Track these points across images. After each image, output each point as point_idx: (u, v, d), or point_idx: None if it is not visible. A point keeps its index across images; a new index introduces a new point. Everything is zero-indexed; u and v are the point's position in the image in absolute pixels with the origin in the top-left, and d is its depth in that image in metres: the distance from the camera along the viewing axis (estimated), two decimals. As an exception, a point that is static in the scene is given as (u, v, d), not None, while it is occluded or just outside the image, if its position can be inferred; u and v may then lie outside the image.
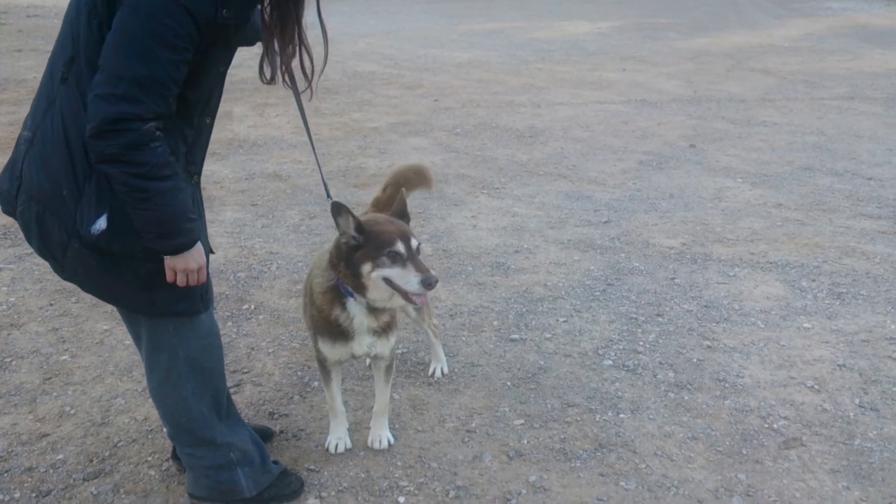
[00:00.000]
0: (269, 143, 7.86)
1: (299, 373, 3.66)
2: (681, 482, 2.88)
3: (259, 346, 3.91)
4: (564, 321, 4.15)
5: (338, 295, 2.71)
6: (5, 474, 2.94)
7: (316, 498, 2.80)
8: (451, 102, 9.81)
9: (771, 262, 4.87)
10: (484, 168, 7.04)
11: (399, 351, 3.83)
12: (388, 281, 2.55)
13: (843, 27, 16.70)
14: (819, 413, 3.31)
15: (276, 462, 2.82)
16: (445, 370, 3.64)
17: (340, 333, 2.77)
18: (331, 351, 2.84)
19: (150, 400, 3.41)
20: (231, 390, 3.46)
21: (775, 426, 3.22)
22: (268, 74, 2.37)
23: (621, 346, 3.87)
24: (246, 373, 3.66)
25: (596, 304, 4.34)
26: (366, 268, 2.55)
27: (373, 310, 2.72)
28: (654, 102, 9.73)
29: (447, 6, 22.09)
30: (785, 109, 9.25)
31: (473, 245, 5.22)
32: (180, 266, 2.23)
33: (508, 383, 3.56)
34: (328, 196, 2.76)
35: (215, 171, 6.92)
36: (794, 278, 4.64)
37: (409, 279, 2.51)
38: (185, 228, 2.18)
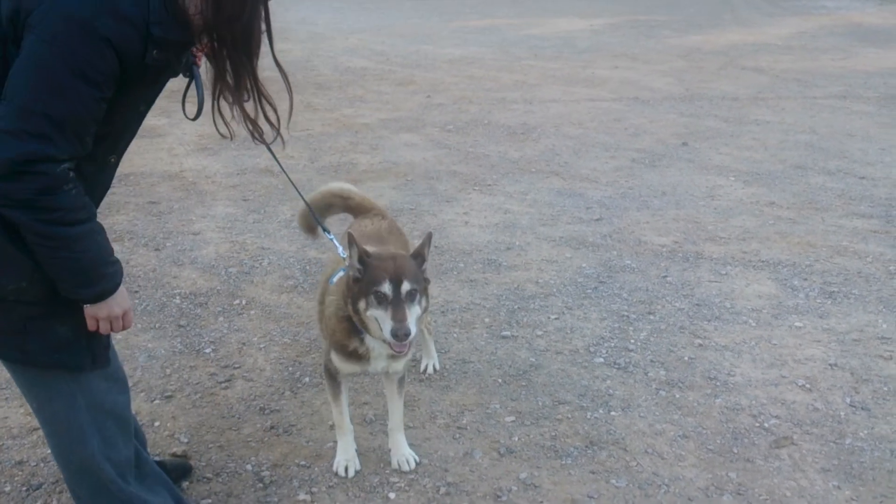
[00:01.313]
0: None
1: (290, 368, 3.65)
2: (672, 480, 2.88)
3: (250, 341, 3.90)
4: (556, 318, 4.15)
5: (353, 326, 2.63)
6: (-7, 469, 2.93)
7: (307, 494, 2.79)
8: (443, 99, 9.79)
9: (763, 261, 4.88)
10: (476, 165, 7.02)
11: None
12: (375, 321, 2.48)
13: (837, 25, 16.73)
14: (810, 412, 3.31)
15: None
16: (437, 367, 3.62)
17: (357, 355, 2.70)
18: (344, 365, 2.76)
19: (143, 394, 3.40)
20: (222, 385, 3.45)
21: (766, 425, 3.22)
22: (222, 128, 2.12)
23: (613, 344, 3.87)
24: (237, 368, 3.64)
25: (587, 302, 4.34)
26: (360, 304, 2.50)
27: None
28: (647, 100, 9.74)
29: (439, 3, 22.04)
30: (777, 108, 9.26)
31: (465, 242, 5.21)
32: (103, 314, 1.99)
33: (499, 380, 3.56)
34: (324, 230, 2.81)
35: (207, 165, 6.88)
36: (786, 277, 4.65)
37: (384, 324, 2.42)
38: (107, 274, 1.95)
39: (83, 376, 2.10)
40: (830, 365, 3.68)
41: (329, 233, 2.88)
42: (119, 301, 2.01)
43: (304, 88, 10.33)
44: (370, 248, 2.61)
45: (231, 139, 2.17)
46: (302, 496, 2.79)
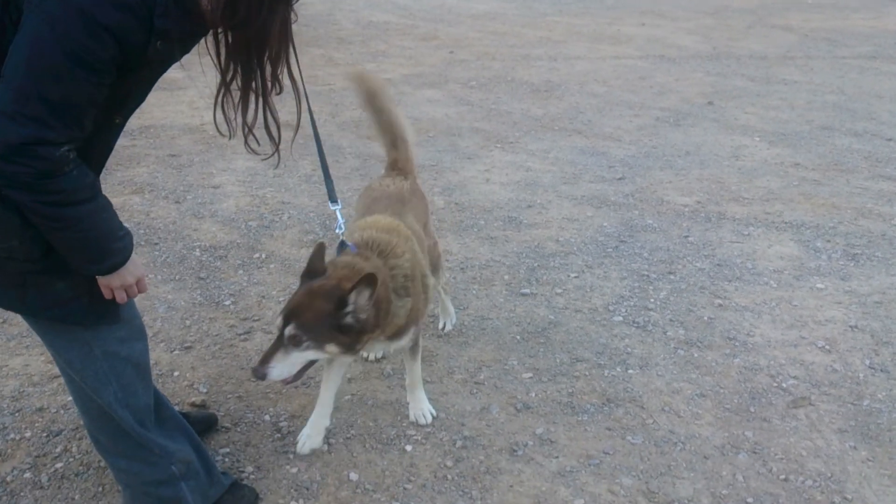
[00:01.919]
0: (283, 93, 7.78)
1: (309, 322, 3.67)
2: (687, 438, 2.89)
3: (269, 294, 3.92)
4: (576, 277, 4.13)
5: None
6: (17, 413, 2.98)
7: (324, 444, 2.82)
8: (466, 55, 9.68)
9: (786, 222, 4.82)
10: (498, 122, 6.96)
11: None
12: None
13: (869, -15, 16.30)
14: (829, 373, 3.29)
15: (224, 473, 2.52)
16: (454, 323, 3.62)
17: None
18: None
19: (162, 344, 3.44)
20: (241, 337, 3.48)
21: (784, 385, 3.21)
22: (225, 131, 2.04)
23: (632, 303, 3.86)
24: (256, 320, 3.67)
25: (608, 261, 4.31)
26: None
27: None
28: (673, 58, 9.57)
29: (464, -44, 21.67)
30: (805, 68, 9.08)
31: (486, 199, 5.18)
32: (116, 283, 1.99)
33: (518, 337, 3.56)
34: (333, 201, 2.65)
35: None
36: (809, 238, 4.59)
37: None
38: (116, 248, 1.93)
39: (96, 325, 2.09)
40: (851, 327, 3.64)
41: (337, 202, 2.70)
42: (131, 270, 2.00)
43: (325, 42, 10.25)
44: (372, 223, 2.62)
45: (230, 139, 2.09)
46: (321, 446, 2.82)
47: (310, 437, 2.77)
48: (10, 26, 1.72)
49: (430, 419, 2.95)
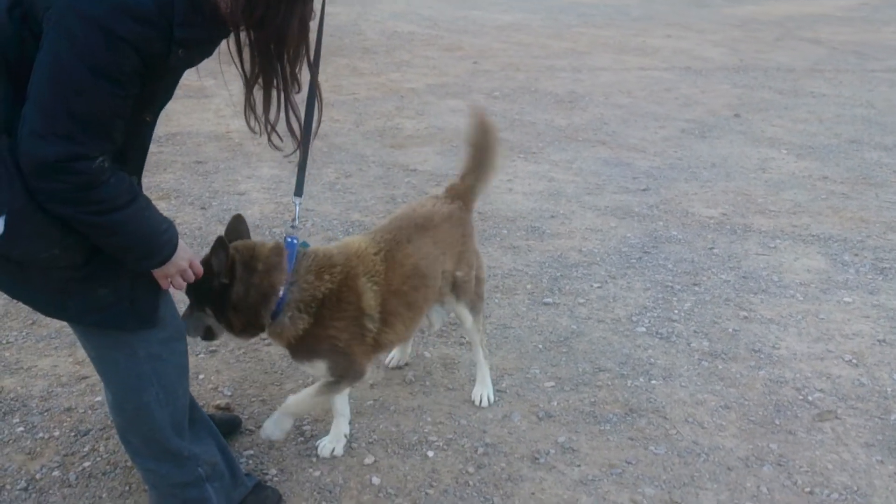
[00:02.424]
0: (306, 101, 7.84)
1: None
2: (711, 449, 2.86)
3: (293, 300, 3.94)
4: (599, 287, 4.12)
5: None
6: (45, 413, 3.02)
7: (346, 448, 2.83)
8: (491, 65, 9.71)
9: (813, 235, 4.78)
10: (522, 132, 6.97)
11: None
12: None
13: (899, -2, 16.15)
14: (856, 387, 3.26)
15: (248, 475, 2.54)
16: (492, 399, 3.14)
17: None
18: None
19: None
20: (265, 342, 3.51)
21: (810, 398, 3.18)
22: (256, 128, 2.05)
23: (656, 314, 3.84)
24: (280, 326, 3.69)
25: (631, 272, 4.30)
26: None
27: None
28: (699, 70, 9.54)
29: (490, -32, 21.75)
30: (834, 81, 9.01)
31: (509, 208, 5.19)
32: (172, 271, 2.05)
33: (540, 346, 3.56)
34: (298, 195, 2.59)
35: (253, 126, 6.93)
36: (837, 252, 4.55)
37: None
38: (163, 242, 1.97)
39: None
40: (879, 341, 3.60)
41: (301, 196, 2.64)
42: (182, 256, 2.05)
43: (350, 52, 10.32)
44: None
45: (260, 136, 2.08)
46: (342, 450, 2.83)
47: (330, 443, 2.82)
48: (31, 40, 1.74)
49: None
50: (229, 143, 6.47)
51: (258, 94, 1.97)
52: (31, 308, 2.17)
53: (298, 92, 2.04)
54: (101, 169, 1.75)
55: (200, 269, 2.15)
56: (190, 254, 2.09)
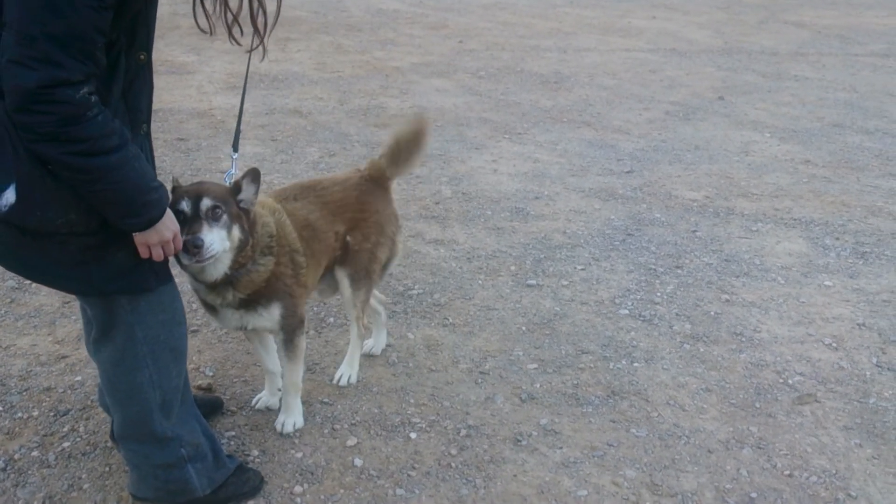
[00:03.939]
0: (290, 79, 7.78)
1: (315, 308, 3.67)
2: (692, 432, 2.88)
3: (276, 280, 3.91)
4: (582, 269, 4.12)
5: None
6: (24, 392, 2.99)
7: (329, 430, 2.83)
8: (476, 44, 9.65)
9: (795, 219, 4.81)
10: (507, 113, 6.94)
11: (414, 292, 3.82)
12: None
13: (883, -18, 16.20)
14: (835, 370, 3.29)
15: (230, 456, 2.52)
16: (353, 380, 3.11)
17: (207, 305, 2.58)
18: (211, 319, 2.70)
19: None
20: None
21: (790, 381, 3.20)
22: (203, 24, 1.96)
23: (638, 297, 3.85)
24: (262, 306, 3.67)
25: (615, 254, 4.31)
26: None
27: (212, 286, 2.44)
28: (684, 52, 9.53)
29: (476, -54, 21.59)
30: (818, 64, 9.03)
31: (493, 189, 5.17)
32: (154, 240, 1.98)
33: (523, 328, 3.56)
34: (235, 150, 2.58)
35: (236, 104, 6.85)
36: (818, 236, 4.57)
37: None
38: (152, 200, 1.91)
39: (141, 308, 2.10)
40: (858, 325, 3.63)
41: (237, 152, 2.65)
42: (168, 225, 2.01)
43: (335, 30, 10.23)
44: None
45: (210, 34, 2.03)
46: (325, 432, 2.82)
47: (268, 398, 2.95)
48: None
49: (291, 430, 2.81)
50: (211, 121, 6.40)
51: None
52: (55, 288, 2.14)
53: None
54: (85, 100, 1.69)
55: (181, 245, 2.11)
56: (176, 227, 2.05)
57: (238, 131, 2.62)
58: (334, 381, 3.10)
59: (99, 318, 2.13)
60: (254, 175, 2.40)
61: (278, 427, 2.82)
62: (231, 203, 2.34)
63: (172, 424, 2.29)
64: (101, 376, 2.25)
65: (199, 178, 5.11)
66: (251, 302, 2.52)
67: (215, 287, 2.44)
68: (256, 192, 2.42)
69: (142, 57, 1.94)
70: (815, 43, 10.26)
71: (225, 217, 2.30)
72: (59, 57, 1.64)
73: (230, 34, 2.00)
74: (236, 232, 2.35)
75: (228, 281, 2.44)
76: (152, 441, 2.27)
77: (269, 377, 2.94)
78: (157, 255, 2.03)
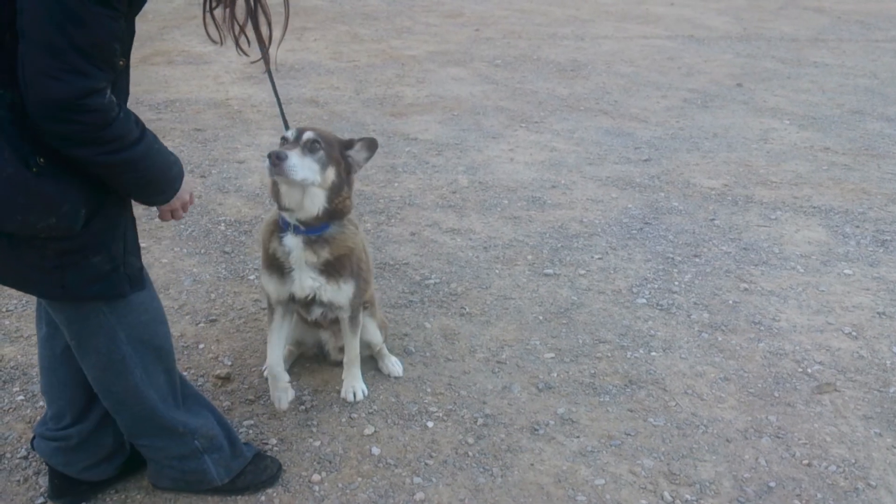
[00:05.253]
0: (306, 68, 7.78)
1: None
2: (710, 421, 2.87)
3: (293, 269, 3.93)
4: (599, 258, 4.11)
5: (277, 226, 2.58)
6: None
7: (347, 419, 2.84)
8: (492, 33, 9.61)
9: (814, 207, 4.76)
10: (523, 101, 6.91)
11: (431, 281, 3.83)
12: None
13: (905, -34, 15.97)
14: (855, 360, 3.26)
15: (247, 444, 2.55)
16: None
17: (277, 263, 2.60)
18: (267, 280, 2.66)
19: (188, 317, 3.47)
20: (265, 312, 3.49)
21: (809, 370, 3.18)
22: (215, 36, 2.01)
23: (656, 286, 3.83)
24: (280, 295, 3.68)
25: (632, 243, 4.29)
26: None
27: (310, 242, 2.53)
28: (702, 39, 9.44)
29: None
30: (838, 51, 8.92)
31: (510, 178, 5.16)
32: (178, 205, 2.10)
33: (540, 317, 3.55)
34: (286, 127, 2.57)
35: (252, 94, 6.88)
36: (838, 224, 4.53)
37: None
38: (175, 175, 2.01)
39: (122, 310, 2.09)
40: (878, 313, 3.60)
41: (288, 130, 2.62)
42: (186, 188, 2.09)
43: (351, 19, 10.21)
44: None
45: (221, 44, 2.08)
46: (342, 421, 2.84)
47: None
48: None
49: (360, 398, 2.95)
50: (228, 111, 6.41)
51: None
52: (25, 292, 2.11)
53: None
54: (111, 104, 1.75)
55: (194, 200, 2.20)
56: (192, 184, 2.10)
57: (283, 114, 2.68)
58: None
59: (71, 327, 2.11)
60: (370, 142, 2.56)
61: (349, 397, 2.94)
62: (335, 147, 2.48)
63: (182, 415, 2.30)
64: (93, 384, 2.23)
65: (216, 169, 5.16)
66: (334, 273, 2.60)
67: (312, 244, 2.52)
68: (367, 159, 2.57)
69: (122, 63, 1.94)
70: (834, 29, 10.13)
71: (322, 153, 2.42)
72: (87, 67, 1.68)
73: (237, 45, 2.04)
74: (331, 173, 2.46)
75: (325, 240, 2.53)
76: (165, 433, 2.29)
77: (272, 381, 2.77)
78: (179, 216, 2.15)
